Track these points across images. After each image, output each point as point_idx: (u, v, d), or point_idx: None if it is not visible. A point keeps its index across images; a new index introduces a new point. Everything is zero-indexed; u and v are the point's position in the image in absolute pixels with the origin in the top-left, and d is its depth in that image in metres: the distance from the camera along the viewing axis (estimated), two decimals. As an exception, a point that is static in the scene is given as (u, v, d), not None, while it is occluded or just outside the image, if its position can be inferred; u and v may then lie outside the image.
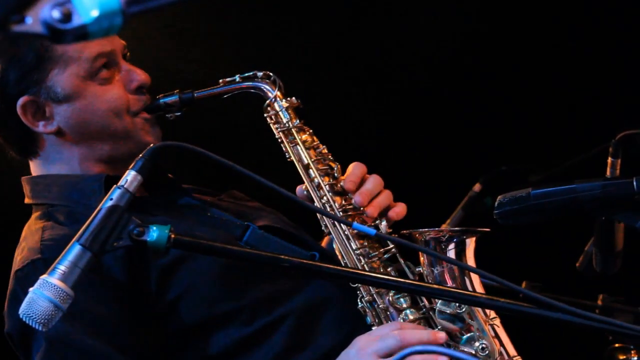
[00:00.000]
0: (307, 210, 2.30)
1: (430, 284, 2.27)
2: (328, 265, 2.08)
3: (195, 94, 2.53)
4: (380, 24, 4.28)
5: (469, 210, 3.61)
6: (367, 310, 2.33)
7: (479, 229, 2.36)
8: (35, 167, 2.56)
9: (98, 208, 1.95)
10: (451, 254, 2.34)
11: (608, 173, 2.58)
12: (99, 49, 2.47)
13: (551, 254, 3.94)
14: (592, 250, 2.69)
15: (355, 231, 2.39)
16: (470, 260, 2.35)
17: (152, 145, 2.07)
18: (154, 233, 1.94)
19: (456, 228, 2.38)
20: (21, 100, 2.45)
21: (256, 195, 2.74)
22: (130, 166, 2.01)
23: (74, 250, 1.91)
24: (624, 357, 3.16)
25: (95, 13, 1.28)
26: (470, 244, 2.36)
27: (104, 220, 1.93)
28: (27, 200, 2.55)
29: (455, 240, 2.34)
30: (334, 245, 2.43)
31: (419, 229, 2.35)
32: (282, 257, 2.02)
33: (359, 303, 2.35)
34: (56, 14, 1.26)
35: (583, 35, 4.14)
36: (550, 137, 4.19)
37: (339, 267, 2.29)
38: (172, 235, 1.94)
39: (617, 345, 3.18)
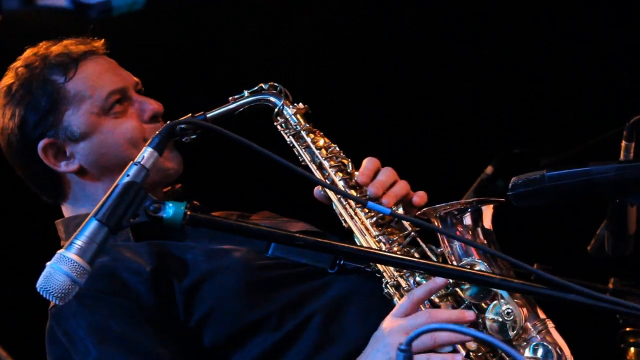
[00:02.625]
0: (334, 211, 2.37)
1: (444, 264, 2.27)
2: (343, 244, 2.08)
3: (207, 115, 2.57)
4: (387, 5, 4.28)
5: (481, 193, 3.61)
6: (393, 294, 2.34)
7: (492, 199, 2.37)
8: (66, 210, 2.64)
9: (115, 184, 1.97)
10: (467, 221, 2.35)
11: (622, 156, 2.57)
12: (111, 87, 2.56)
13: (562, 237, 3.94)
14: (604, 234, 2.69)
15: (374, 220, 2.41)
16: (488, 225, 2.37)
17: (167, 122, 2.08)
18: (170, 210, 1.95)
19: (469, 199, 2.38)
20: (41, 144, 2.55)
21: (284, 211, 2.78)
22: (147, 143, 2.02)
23: (90, 226, 1.92)
24: (635, 340, 3.17)
25: (118, -12, 1.28)
26: (487, 210, 2.37)
27: (121, 196, 1.94)
28: (62, 243, 2.61)
29: (469, 210, 2.35)
30: (355, 239, 2.44)
31: (433, 206, 2.36)
32: (297, 235, 2.03)
33: (384, 289, 2.36)
34: (80, -12, 1.26)
35: (597, 17, 4.13)
36: (563, 121, 4.19)
37: (355, 247, 2.30)
38: (188, 212, 1.95)
39: (628, 329, 3.18)
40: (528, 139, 4.09)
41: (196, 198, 2.71)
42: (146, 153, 2.00)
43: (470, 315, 2.23)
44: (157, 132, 2.02)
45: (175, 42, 4.06)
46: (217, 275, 2.40)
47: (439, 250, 2.38)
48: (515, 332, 2.24)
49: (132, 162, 1.99)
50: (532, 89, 4.25)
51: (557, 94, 4.24)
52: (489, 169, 3.67)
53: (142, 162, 1.99)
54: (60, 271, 1.87)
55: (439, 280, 2.25)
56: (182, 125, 2.56)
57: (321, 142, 2.55)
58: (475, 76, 4.25)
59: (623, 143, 2.58)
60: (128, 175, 1.97)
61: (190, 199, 2.68)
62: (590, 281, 3.11)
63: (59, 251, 1.89)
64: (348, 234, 2.47)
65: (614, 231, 2.58)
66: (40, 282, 1.88)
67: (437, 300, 2.30)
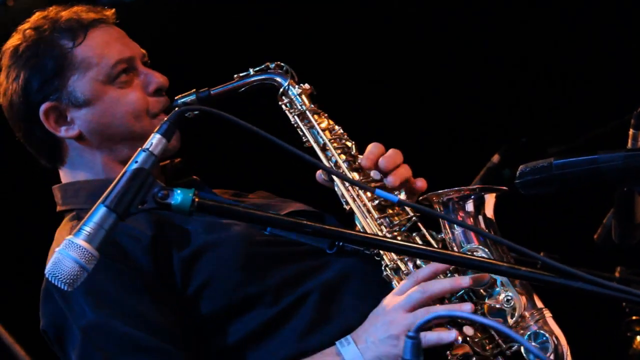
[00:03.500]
0: (333, 194, 2.38)
1: (451, 252, 2.27)
2: (350, 231, 2.08)
3: (211, 91, 2.59)
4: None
5: (487, 181, 3.61)
6: (392, 276, 2.36)
7: (496, 187, 2.38)
8: (64, 175, 2.63)
9: (123, 171, 1.96)
10: (469, 207, 2.36)
11: (629, 145, 2.58)
12: (118, 56, 2.55)
13: (569, 225, 3.94)
14: (611, 223, 2.70)
15: (376, 203, 2.42)
16: (490, 214, 2.37)
17: (176, 109, 2.08)
18: (178, 196, 1.94)
19: (473, 186, 2.39)
20: (43, 107, 2.53)
21: (281, 193, 2.78)
22: (155, 129, 2.01)
23: (99, 212, 1.92)
24: (640, 329, 3.18)
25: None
26: (490, 199, 2.38)
27: (129, 182, 1.94)
28: (58, 208, 2.62)
29: (473, 197, 2.36)
30: (356, 222, 2.45)
31: (436, 191, 2.37)
32: (305, 222, 2.03)
33: (383, 271, 2.37)
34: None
35: (603, 5, 4.12)
36: (570, 109, 4.19)
37: (360, 233, 2.31)
38: (196, 199, 1.95)
39: (634, 317, 3.19)
40: (535, 128, 4.09)
41: (195, 173, 2.70)
42: (154, 140, 1.99)
43: (465, 281, 2.25)
44: (166, 119, 2.02)
45: (183, 16, 4.06)
46: (216, 246, 2.41)
47: (439, 236, 2.39)
48: (514, 319, 2.25)
49: (140, 148, 1.99)
50: (540, 77, 4.25)
51: (565, 82, 4.24)
52: (496, 158, 3.67)
53: (150, 149, 1.98)
54: (68, 257, 1.88)
55: (464, 282, 2.26)
56: (185, 100, 2.57)
57: (325, 123, 2.56)
58: (483, 64, 4.25)
59: (631, 131, 2.59)
60: (136, 161, 1.96)
61: (189, 174, 2.68)
62: (597, 270, 3.12)
63: (68, 237, 1.90)
64: (345, 215, 2.47)
65: (621, 219, 2.58)
66: (48, 268, 1.89)
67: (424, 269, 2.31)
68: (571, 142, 3.51)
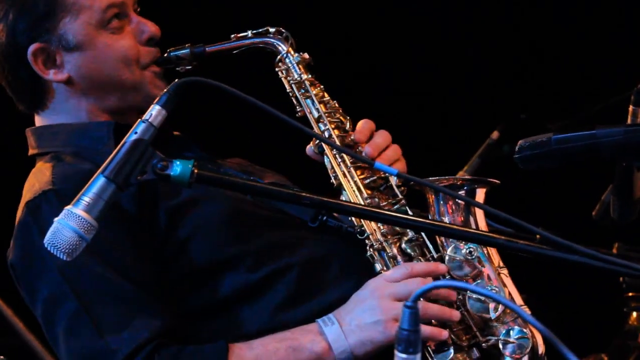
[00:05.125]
0: (318, 165, 2.36)
1: (450, 224, 2.27)
2: (349, 204, 2.09)
3: (206, 48, 2.54)
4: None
5: (487, 158, 3.61)
6: (376, 257, 2.35)
7: (489, 180, 2.37)
8: (41, 119, 2.57)
9: (123, 141, 1.96)
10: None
11: (629, 121, 2.58)
12: (110, 0, 2.48)
13: (567, 202, 3.95)
14: (609, 199, 2.70)
15: (367, 181, 2.41)
16: (479, 210, 2.35)
17: (177, 80, 2.08)
18: (178, 167, 1.95)
19: (466, 177, 2.38)
20: (32, 47, 2.46)
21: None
22: (155, 100, 2.01)
23: (98, 182, 1.93)
24: (637, 304, 3.19)
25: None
26: (480, 194, 2.37)
27: (129, 153, 1.94)
28: (31, 152, 2.56)
29: (465, 187, 2.35)
30: (342, 198, 2.43)
31: (428, 178, 2.35)
32: (303, 194, 2.03)
33: (368, 251, 2.36)
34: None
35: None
36: (570, 86, 4.18)
37: (359, 205, 2.30)
38: (195, 170, 1.95)
39: (630, 294, 3.20)
40: (534, 104, 4.09)
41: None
42: (154, 111, 1.99)
43: (442, 267, 2.27)
44: (165, 90, 2.02)
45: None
46: (205, 201, 2.39)
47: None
48: (497, 313, 2.24)
49: (139, 119, 1.99)
50: (539, 54, 4.25)
51: (564, 59, 4.24)
52: (495, 134, 3.68)
53: (149, 120, 1.98)
54: (67, 227, 1.88)
55: (442, 267, 2.28)
56: (179, 54, 2.53)
57: (321, 96, 2.52)
58: (483, 41, 4.24)
59: (630, 108, 2.59)
60: (136, 132, 1.96)
61: (169, 129, 2.62)
62: (594, 246, 3.12)
63: (67, 207, 1.90)
64: (322, 190, 2.47)
65: (620, 195, 2.58)
66: (47, 238, 1.89)
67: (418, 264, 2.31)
68: (571, 119, 3.50)
